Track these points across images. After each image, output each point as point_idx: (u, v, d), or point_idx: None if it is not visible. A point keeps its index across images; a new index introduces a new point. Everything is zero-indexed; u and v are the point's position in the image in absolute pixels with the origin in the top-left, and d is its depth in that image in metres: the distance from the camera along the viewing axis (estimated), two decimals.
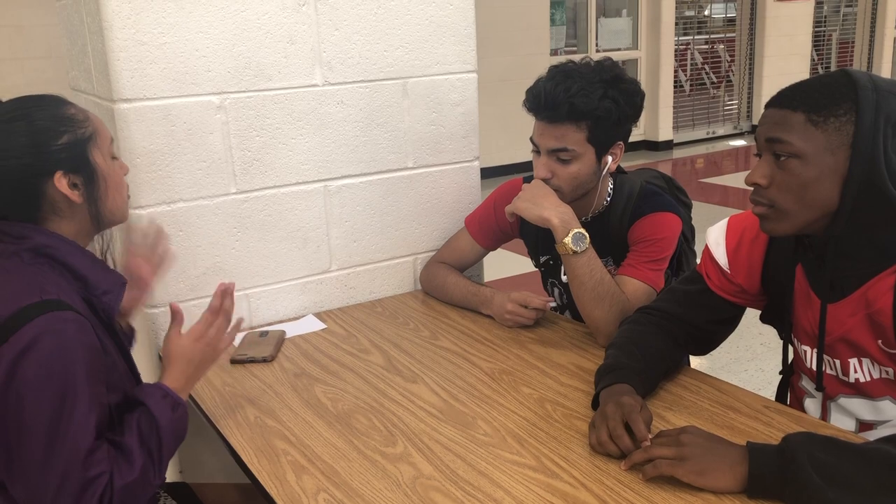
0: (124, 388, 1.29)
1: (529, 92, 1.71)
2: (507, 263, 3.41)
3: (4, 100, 1.27)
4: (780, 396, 1.59)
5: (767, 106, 1.26)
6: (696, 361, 3.36)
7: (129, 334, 1.53)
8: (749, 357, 3.59)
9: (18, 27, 5.66)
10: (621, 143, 1.75)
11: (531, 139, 1.76)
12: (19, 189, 1.23)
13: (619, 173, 1.88)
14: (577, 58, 1.75)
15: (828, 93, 1.20)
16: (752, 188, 1.28)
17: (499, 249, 2.11)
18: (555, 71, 1.69)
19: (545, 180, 1.74)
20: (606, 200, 1.84)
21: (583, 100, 1.64)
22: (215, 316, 1.41)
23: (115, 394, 1.25)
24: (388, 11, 2.00)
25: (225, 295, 1.41)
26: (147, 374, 1.93)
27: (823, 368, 1.38)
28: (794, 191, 1.22)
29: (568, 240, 1.68)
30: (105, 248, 1.40)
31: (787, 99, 1.23)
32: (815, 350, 1.37)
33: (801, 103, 1.20)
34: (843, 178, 1.19)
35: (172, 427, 1.27)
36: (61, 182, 1.24)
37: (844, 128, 1.18)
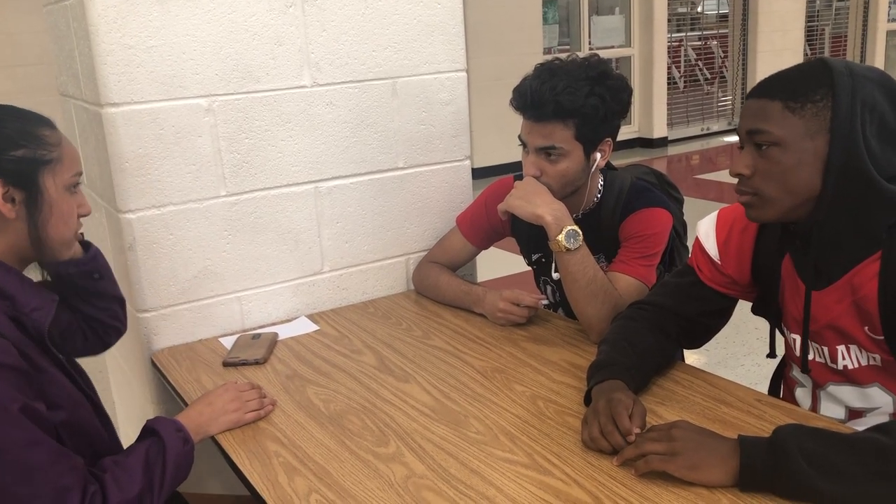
0: (72, 406, 1.24)
1: (516, 90, 1.70)
2: (500, 262, 3.40)
3: None
4: (774, 389, 1.59)
5: (748, 97, 1.28)
6: (692, 357, 3.38)
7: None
8: (745, 352, 3.59)
9: (9, 34, 5.65)
10: (609, 139, 1.75)
11: (519, 137, 1.75)
12: None
13: (609, 170, 1.88)
14: (565, 55, 1.75)
15: (804, 80, 1.21)
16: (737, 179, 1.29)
17: (492, 248, 2.11)
18: (541, 69, 1.69)
19: (535, 178, 1.74)
20: (597, 197, 1.84)
21: (569, 97, 1.63)
22: (254, 387, 1.53)
23: (60, 411, 1.20)
24: (375, 11, 1.99)
25: (266, 396, 1.55)
26: (141, 377, 1.94)
27: (812, 356, 1.38)
28: (777, 178, 1.23)
29: (561, 237, 1.68)
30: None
31: (765, 88, 1.24)
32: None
33: (779, 91, 1.22)
34: (823, 163, 1.20)
35: (180, 460, 1.29)
36: None
37: (822, 113, 1.19)
